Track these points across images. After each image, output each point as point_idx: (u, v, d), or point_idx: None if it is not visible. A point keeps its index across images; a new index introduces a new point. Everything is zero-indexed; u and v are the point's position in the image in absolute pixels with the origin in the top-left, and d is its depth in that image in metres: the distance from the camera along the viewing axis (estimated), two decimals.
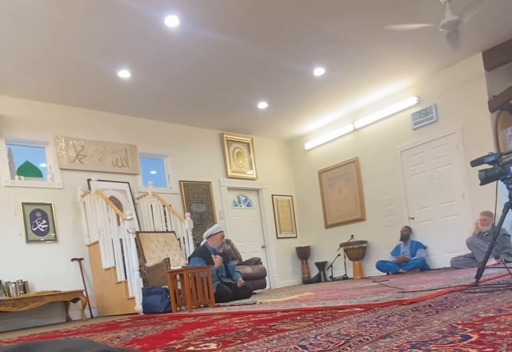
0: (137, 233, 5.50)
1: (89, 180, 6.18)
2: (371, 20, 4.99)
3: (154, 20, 4.50)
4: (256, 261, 7.07)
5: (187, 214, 6.22)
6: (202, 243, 5.43)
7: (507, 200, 2.91)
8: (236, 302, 4.62)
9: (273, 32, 5.00)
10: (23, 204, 5.64)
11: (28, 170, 5.97)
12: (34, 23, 4.30)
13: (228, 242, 7.29)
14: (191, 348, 1.75)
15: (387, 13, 4.88)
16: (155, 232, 6.21)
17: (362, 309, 2.32)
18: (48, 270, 5.64)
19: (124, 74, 5.55)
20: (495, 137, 6.17)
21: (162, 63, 5.41)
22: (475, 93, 6.30)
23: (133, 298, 5.05)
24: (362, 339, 1.44)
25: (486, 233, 5.88)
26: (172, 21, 4.54)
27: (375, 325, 1.72)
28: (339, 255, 8.14)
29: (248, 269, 6.53)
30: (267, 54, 5.48)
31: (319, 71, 6.14)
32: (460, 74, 6.48)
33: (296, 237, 9.12)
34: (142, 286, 4.95)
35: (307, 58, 5.75)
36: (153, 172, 7.42)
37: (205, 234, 5.37)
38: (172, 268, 4.78)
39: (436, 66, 6.52)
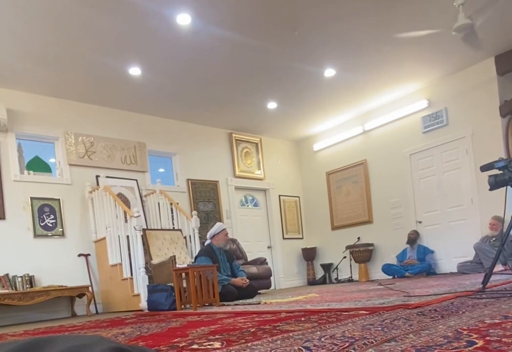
0: (144, 230, 5.53)
1: (97, 176, 6.23)
2: (383, 22, 4.97)
3: (166, 18, 4.52)
4: (261, 261, 7.07)
5: (194, 212, 6.24)
6: (206, 243, 5.43)
7: None
8: (240, 301, 4.62)
9: (284, 32, 5.00)
10: (32, 198, 5.69)
11: (37, 165, 6.02)
12: (46, 18, 4.34)
13: (234, 241, 7.30)
14: (195, 346, 1.75)
15: (399, 16, 4.86)
16: (161, 229, 6.23)
17: (367, 312, 2.31)
18: (55, 265, 5.68)
19: (135, 71, 5.58)
20: (506, 142, 6.12)
21: (172, 61, 5.43)
22: (487, 97, 6.25)
23: (138, 295, 5.08)
24: (367, 342, 1.43)
25: (494, 239, 5.84)
26: (184, 19, 4.55)
27: (380, 329, 1.71)
28: (345, 257, 8.12)
29: (253, 269, 6.53)
30: (278, 54, 5.48)
31: (329, 72, 6.13)
32: (471, 78, 6.43)
33: (302, 238, 9.11)
34: (148, 283, 4.98)
35: (317, 59, 5.74)
36: (161, 170, 7.44)
37: (209, 235, 5.34)
38: (177, 266, 4.79)
39: (448, 69, 6.47)
